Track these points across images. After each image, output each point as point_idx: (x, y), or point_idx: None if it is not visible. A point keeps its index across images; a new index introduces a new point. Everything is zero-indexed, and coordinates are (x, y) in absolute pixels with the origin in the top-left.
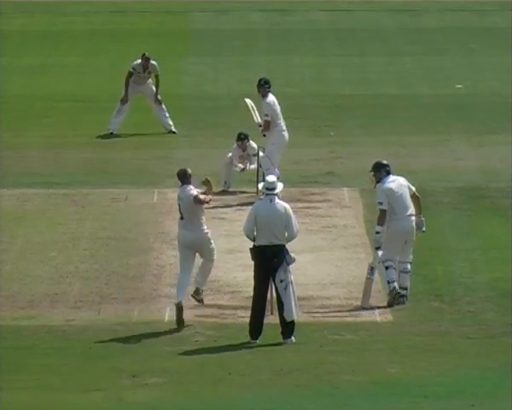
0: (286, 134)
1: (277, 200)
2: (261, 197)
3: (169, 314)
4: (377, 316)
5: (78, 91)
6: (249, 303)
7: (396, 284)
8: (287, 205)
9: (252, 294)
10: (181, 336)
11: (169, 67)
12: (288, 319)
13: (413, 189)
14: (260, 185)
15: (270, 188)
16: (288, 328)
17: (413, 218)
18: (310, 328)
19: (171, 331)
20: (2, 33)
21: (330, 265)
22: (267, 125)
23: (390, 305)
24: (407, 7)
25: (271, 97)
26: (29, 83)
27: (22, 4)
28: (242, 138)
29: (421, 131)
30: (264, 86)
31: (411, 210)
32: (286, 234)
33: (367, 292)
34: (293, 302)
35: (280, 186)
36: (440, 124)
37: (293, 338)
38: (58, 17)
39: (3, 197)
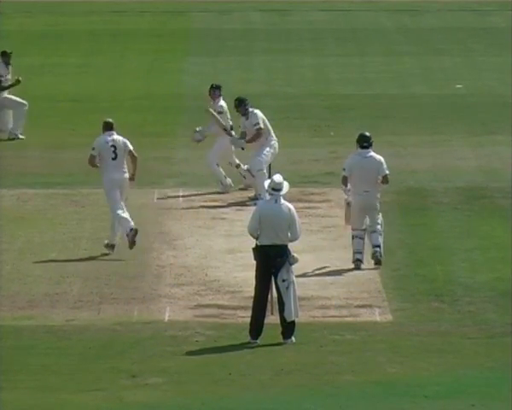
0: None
1: (282, 200)
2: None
3: (169, 314)
4: (377, 316)
5: (78, 91)
6: (249, 303)
7: (358, 255)
8: (291, 206)
9: (252, 294)
10: (181, 336)
11: (169, 67)
12: (289, 319)
13: (386, 172)
14: (266, 183)
15: (276, 188)
16: (288, 328)
17: (369, 193)
18: (310, 328)
19: (171, 331)
20: (2, 33)
21: (330, 265)
22: (259, 135)
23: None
24: (407, 7)
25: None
26: (29, 83)
27: (22, 4)
28: (214, 87)
29: (421, 131)
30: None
31: (368, 187)
32: (289, 235)
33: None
34: (293, 303)
35: (286, 187)
36: (440, 124)
37: (293, 338)
38: (58, 17)
39: (3, 197)
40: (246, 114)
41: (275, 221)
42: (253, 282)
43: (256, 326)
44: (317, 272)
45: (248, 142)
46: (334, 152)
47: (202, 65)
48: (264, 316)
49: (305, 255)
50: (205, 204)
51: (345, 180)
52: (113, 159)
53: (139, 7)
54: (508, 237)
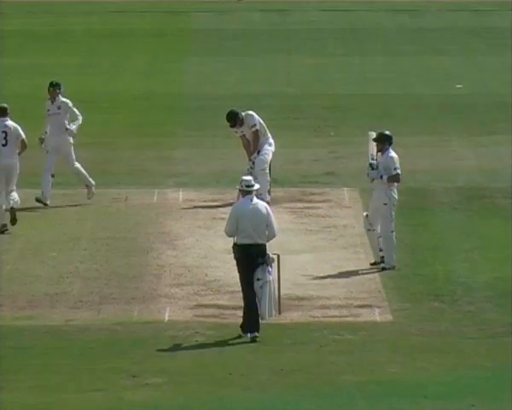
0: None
1: (256, 199)
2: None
3: (169, 314)
4: (377, 316)
5: (78, 91)
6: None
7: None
8: (266, 204)
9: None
10: (181, 336)
11: (169, 67)
12: (263, 319)
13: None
14: (238, 186)
15: (249, 185)
16: (251, 323)
17: None
18: (310, 328)
19: (171, 331)
20: (2, 33)
21: (330, 265)
22: (257, 136)
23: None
24: (407, 7)
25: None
26: (29, 83)
27: (22, 4)
28: (54, 85)
29: (421, 131)
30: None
31: None
32: (267, 233)
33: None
34: (268, 302)
35: (257, 185)
36: (440, 124)
37: (256, 334)
38: (58, 17)
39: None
40: (242, 124)
41: (253, 221)
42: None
43: (253, 323)
44: (317, 272)
45: (254, 151)
46: (334, 152)
47: (202, 65)
48: (257, 311)
49: (305, 255)
50: (205, 204)
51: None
52: (3, 145)
53: (139, 7)
54: (508, 237)
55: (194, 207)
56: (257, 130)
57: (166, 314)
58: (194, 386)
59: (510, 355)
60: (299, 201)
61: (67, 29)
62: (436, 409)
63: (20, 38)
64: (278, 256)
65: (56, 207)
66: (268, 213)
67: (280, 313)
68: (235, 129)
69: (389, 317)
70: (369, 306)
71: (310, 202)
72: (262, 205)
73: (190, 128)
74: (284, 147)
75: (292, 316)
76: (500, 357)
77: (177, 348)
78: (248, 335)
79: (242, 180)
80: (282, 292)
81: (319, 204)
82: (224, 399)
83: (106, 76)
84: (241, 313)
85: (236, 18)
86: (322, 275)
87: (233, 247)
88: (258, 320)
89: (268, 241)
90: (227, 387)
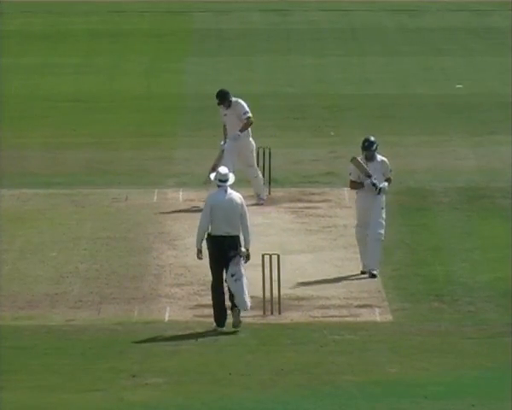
0: None
1: (230, 190)
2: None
3: (169, 314)
4: (377, 316)
5: (78, 91)
6: (249, 303)
7: None
8: (240, 195)
9: (253, 293)
10: (181, 336)
11: (169, 67)
12: (245, 310)
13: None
14: (212, 176)
15: (223, 180)
16: (217, 317)
17: None
18: (310, 328)
19: (171, 331)
20: (2, 33)
21: (330, 265)
22: (250, 123)
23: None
24: (407, 7)
25: None
26: (29, 83)
27: (22, 4)
28: None
29: (421, 131)
30: None
31: None
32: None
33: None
34: (245, 294)
35: (232, 178)
36: (440, 124)
37: (223, 329)
38: (58, 17)
39: (3, 197)
40: (230, 105)
41: (228, 211)
42: (253, 282)
43: (221, 313)
44: (316, 272)
45: (242, 131)
46: (334, 152)
47: (202, 65)
48: (224, 301)
49: (305, 255)
50: None
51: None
52: None
53: (139, 7)
54: (508, 237)
55: (194, 207)
56: (249, 117)
57: (166, 314)
58: (194, 386)
59: (510, 355)
60: (299, 201)
61: (67, 29)
62: (436, 409)
63: (20, 38)
64: (278, 256)
65: (56, 207)
66: (242, 204)
67: (280, 313)
68: (221, 107)
69: (389, 317)
70: (369, 306)
71: (310, 201)
72: (236, 195)
73: (190, 128)
74: (284, 147)
75: (292, 316)
76: (500, 357)
77: (177, 348)
78: (218, 327)
79: (217, 172)
80: (282, 292)
81: (319, 204)
82: (224, 399)
83: (106, 76)
84: (240, 313)
85: (236, 18)
86: (322, 275)
87: (207, 239)
88: (225, 316)
89: (243, 234)
90: (227, 387)
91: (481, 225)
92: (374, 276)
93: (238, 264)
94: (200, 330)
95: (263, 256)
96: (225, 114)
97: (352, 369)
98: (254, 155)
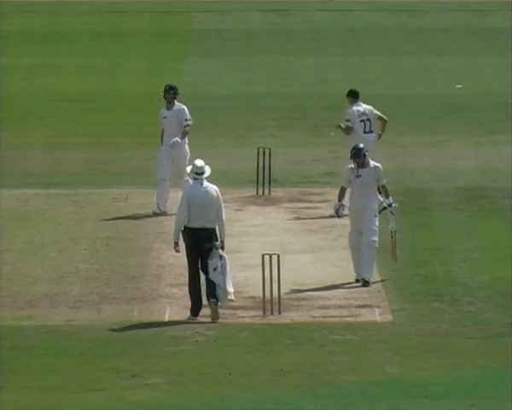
0: None
1: (207, 183)
2: (187, 179)
3: (169, 314)
4: (377, 316)
5: (79, 91)
6: (250, 303)
7: None
8: (216, 187)
9: (252, 294)
10: (181, 336)
11: (169, 67)
12: (223, 304)
13: None
14: (188, 168)
15: (198, 172)
16: (193, 307)
17: None
18: (310, 328)
19: (171, 331)
20: (2, 33)
21: (330, 265)
22: (187, 132)
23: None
24: (407, 7)
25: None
26: (29, 83)
27: (22, 4)
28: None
29: (421, 131)
30: None
31: None
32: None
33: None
34: (226, 286)
35: (208, 171)
36: (440, 124)
37: (197, 318)
38: (58, 17)
39: (3, 197)
40: (172, 102)
41: (204, 204)
42: (253, 282)
43: (196, 304)
44: (316, 272)
45: (182, 138)
46: (334, 152)
47: (202, 65)
48: (200, 292)
49: (305, 255)
50: None
51: None
52: None
53: (139, 7)
54: (508, 237)
55: None
56: (190, 125)
57: (166, 314)
58: (194, 386)
59: (510, 355)
60: (299, 201)
61: (67, 29)
62: (436, 409)
63: (20, 38)
64: (278, 256)
65: (56, 207)
66: (218, 196)
67: (280, 313)
68: (162, 109)
69: (389, 317)
70: (369, 306)
71: (310, 202)
72: (212, 188)
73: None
74: (284, 147)
75: (292, 316)
76: (500, 357)
77: (177, 348)
78: (192, 317)
79: (193, 165)
80: (282, 292)
81: (319, 204)
82: (224, 399)
83: (106, 76)
84: (241, 313)
85: (236, 18)
86: (322, 275)
87: (182, 231)
88: (199, 306)
89: (219, 226)
90: (227, 387)
91: (481, 225)
92: (367, 283)
93: (217, 256)
94: (200, 330)
95: (263, 256)
96: (165, 117)
97: (352, 369)
98: (187, 162)
